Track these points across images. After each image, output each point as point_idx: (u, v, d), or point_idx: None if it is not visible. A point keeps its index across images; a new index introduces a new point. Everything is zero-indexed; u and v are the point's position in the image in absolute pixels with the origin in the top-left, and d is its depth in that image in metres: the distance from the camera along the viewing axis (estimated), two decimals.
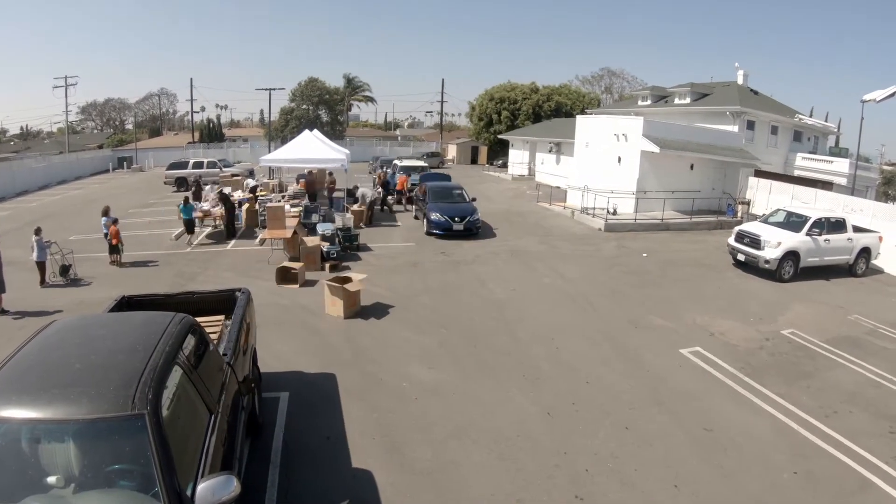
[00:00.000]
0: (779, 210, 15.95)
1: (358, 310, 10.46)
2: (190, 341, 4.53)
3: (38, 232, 12.11)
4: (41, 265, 12.03)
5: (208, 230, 17.52)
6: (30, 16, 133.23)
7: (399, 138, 67.58)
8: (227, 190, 20.34)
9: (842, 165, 27.71)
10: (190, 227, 16.37)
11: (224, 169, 30.06)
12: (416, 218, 20.57)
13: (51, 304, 10.73)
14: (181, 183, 27.99)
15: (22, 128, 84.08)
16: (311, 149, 20.41)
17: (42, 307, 10.60)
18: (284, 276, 12.26)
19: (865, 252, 15.07)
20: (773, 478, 5.96)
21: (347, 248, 15.19)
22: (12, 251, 12.97)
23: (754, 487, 5.77)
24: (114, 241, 13.51)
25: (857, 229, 15.03)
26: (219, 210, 17.53)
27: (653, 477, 5.84)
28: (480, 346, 9.15)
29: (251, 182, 24.07)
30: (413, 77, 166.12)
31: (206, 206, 18.47)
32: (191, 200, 16.88)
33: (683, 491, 5.63)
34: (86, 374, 3.70)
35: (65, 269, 12.46)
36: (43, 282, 12.07)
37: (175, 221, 17.36)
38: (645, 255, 15.92)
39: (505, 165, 42.49)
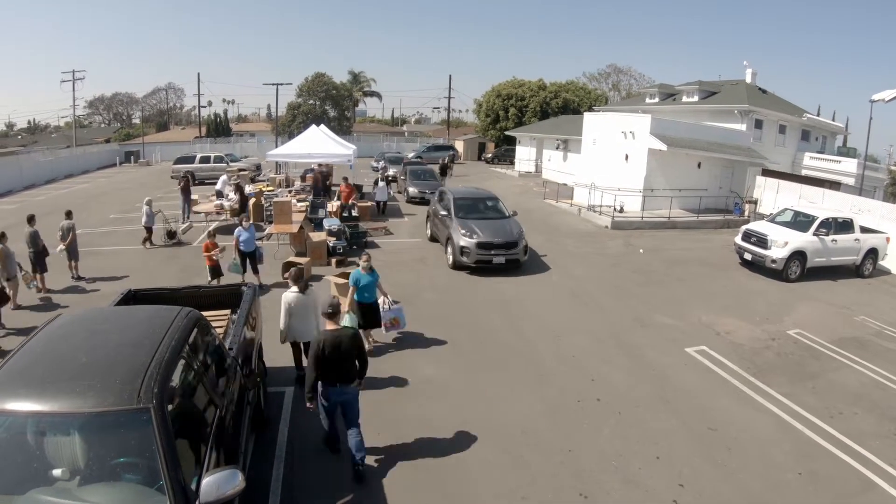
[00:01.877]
0: (786, 209, 15.84)
1: None
2: (196, 336, 4.54)
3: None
4: None
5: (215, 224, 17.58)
6: (37, 10, 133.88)
7: (406, 134, 67.53)
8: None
9: (850, 165, 27.48)
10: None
11: (231, 164, 30.09)
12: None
13: (57, 298, 10.81)
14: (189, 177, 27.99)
15: (29, 122, 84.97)
16: (318, 144, 20.44)
17: (48, 300, 10.68)
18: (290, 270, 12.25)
19: (873, 253, 14.94)
20: (777, 478, 5.94)
21: (353, 243, 15.21)
22: (20, 244, 13.04)
23: (758, 487, 5.75)
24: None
25: (864, 230, 14.91)
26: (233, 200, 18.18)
27: (657, 475, 5.84)
28: (486, 343, 9.15)
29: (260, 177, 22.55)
30: (420, 73, 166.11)
31: (229, 195, 19.23)
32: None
33: (687, 489, 5.62)
34: (92, 367, 3.72)
35: None
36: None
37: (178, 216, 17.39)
38: (641, 251, 15.89)
39: (498, 160, 42.94)
